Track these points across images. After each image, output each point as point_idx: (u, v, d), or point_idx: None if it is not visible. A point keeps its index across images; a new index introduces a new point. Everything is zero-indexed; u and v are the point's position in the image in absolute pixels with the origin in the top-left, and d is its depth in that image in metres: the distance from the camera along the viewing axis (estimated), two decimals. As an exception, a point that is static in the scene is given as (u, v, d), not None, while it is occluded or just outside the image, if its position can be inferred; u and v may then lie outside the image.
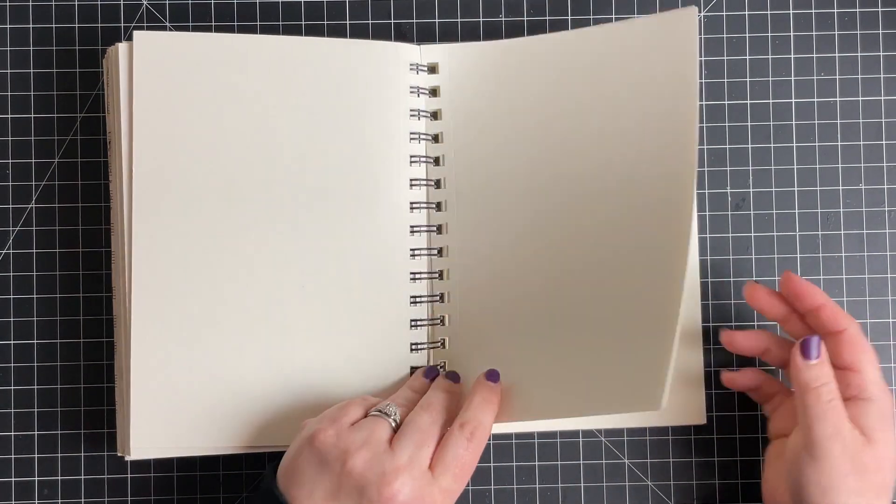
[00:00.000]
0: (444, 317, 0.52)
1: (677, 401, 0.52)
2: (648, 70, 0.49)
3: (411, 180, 0.52)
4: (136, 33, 0.49)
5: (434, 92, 0.52)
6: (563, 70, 0.51)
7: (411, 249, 0.51)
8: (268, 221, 0.50)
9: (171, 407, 0.49)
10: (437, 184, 0.52)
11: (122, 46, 0.49)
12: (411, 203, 0.52)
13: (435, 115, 0.52)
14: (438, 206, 0.52)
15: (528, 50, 0.52)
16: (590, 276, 0.49)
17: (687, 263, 0.44)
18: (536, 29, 0.55)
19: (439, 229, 0.52)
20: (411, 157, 0.52)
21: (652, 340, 0.44)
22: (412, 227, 0.51)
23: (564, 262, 0.50)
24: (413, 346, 0.51)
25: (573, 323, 0.49)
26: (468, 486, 0.54)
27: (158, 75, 0.49)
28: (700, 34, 0.55)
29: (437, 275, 0.52)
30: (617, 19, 0.55)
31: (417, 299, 0.51)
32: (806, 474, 0.44)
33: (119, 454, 0.50)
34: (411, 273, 0.51)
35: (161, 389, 0.49)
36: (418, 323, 0.51)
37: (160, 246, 0.49)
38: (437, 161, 0.52)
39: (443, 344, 0.52)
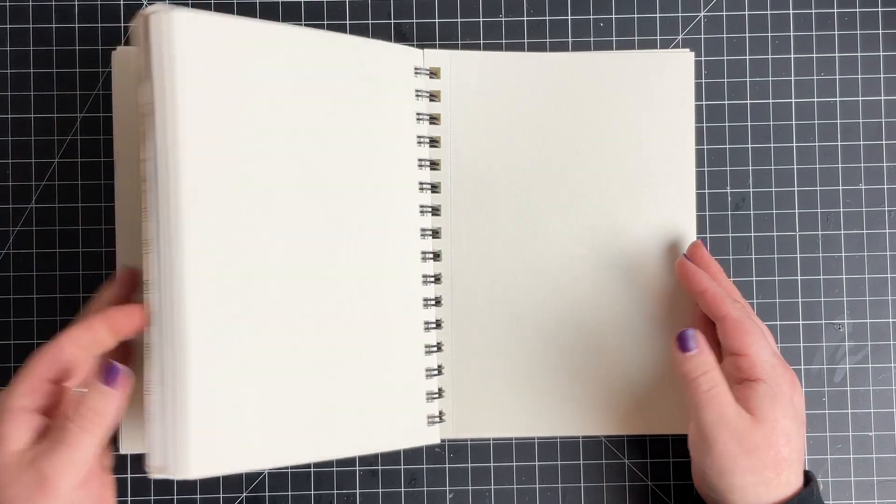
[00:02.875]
0: (439, 320, 0.52)
1: (667, 408, 0.52)
2: (644, 104, 0.52)
3: (420, 183, 0.52)
4: (175, 13, 0.42)
5: (434, 96, 0.52)
6: (561, 90, 0.53)
7: (422, 252, 0.52)
8: (304, 220, 0.47)
9: (233, 422, 0.44)
10: (434, 188, 0.52)
11: (161, 17, 0.42)
12: (420, 206, 0.52)
13: (434, 120, 0.52)
14: (435, 210, 0.52)
15: (528, 65, 0.53)
16: (581, 294, 0.52)
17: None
18: (536, 29, 0.55)
19: (435, 233, 0.52)
20: (419, 160, 0.52)
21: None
22: (422, 230, 0.52)
23: (555, 274, 0.52)
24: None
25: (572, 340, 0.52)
26: (468, 486, 0.54)
27: (200, 57, 0.43)
28: (700, 34, 0.55)
29: (433, 279, 0.52)
30: (617, 19, 0.55)
31: (427, 302, 0.52)
32: (702, 461, 0.45)
33: (150, 474, 0.43)
34: (423, 276, 0.52)
35: (222, 404, 0.44)
36: (428, 325, 0.52)
37: (215, 253, 0.44)
38: (435, 165, 0.52)
39: (438, 347, 0.52)
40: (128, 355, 0.47)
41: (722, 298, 0.47)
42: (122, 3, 0.55)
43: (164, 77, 0.42)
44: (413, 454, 0.54)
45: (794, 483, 0.45)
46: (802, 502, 0.44)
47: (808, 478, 0.46)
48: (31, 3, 0.54)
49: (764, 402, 0.44)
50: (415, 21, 0.55)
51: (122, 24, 0.54)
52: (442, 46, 0.55)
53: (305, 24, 0.55)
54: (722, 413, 0.44)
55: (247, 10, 0.55)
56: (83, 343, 0.42)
